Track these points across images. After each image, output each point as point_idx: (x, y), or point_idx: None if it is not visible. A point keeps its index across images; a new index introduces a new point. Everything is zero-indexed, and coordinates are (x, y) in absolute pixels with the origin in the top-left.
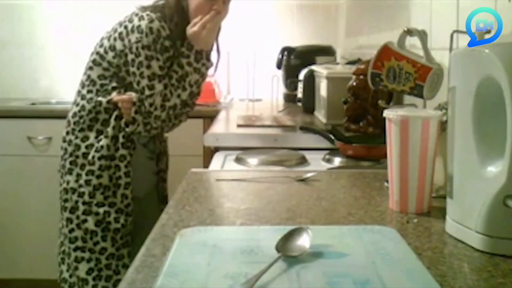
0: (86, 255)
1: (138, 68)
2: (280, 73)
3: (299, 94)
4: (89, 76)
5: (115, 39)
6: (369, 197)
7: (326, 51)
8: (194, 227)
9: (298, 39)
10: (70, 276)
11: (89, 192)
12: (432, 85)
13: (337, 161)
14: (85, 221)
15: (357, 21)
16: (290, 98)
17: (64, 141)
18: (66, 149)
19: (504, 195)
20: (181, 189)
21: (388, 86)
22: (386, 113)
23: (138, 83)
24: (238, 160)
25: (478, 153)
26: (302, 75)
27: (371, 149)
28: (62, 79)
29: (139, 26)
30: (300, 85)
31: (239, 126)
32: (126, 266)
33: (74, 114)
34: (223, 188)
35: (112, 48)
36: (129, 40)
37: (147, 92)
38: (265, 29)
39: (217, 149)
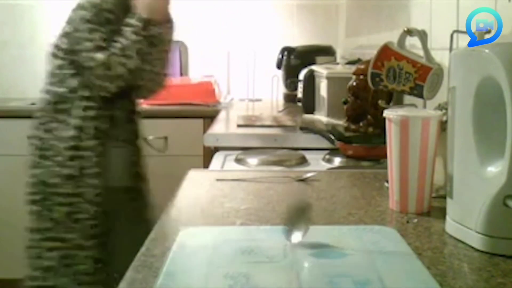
0: (55, 244)
1: (82, 43)
2: (280, 73)
3: (299, 94)
4: (48, 71)
5: (65, 25)
6: (369, 197)
7: (326, 51)
8: (194, 227)
9: (298, 39)
10: (38, 265)
11: (56, 183)
12: (432, 85)
13: (337, 161)
14: (53, 211)
15: (357, 21)
16: (290, 98)
17: (31, 137)
18: (32, 144)
19: (504, 195)
20: (181, 189)
21: (388, 86)
22: (386, 113)
23: (84, 56)
24: (238, 160)
25: (478, 153)
26: (302, 75)
27: (371, 149)
28: None
29: (80, 3)
30: (300, 85)
31: (239, 126)
32: (92, 258)
33: (38, 110)
34: (223, 188)
35: (64, 34)
36: (74, 20)
37: (91, 63)
38: (265, 29)
39: (217, 149)
